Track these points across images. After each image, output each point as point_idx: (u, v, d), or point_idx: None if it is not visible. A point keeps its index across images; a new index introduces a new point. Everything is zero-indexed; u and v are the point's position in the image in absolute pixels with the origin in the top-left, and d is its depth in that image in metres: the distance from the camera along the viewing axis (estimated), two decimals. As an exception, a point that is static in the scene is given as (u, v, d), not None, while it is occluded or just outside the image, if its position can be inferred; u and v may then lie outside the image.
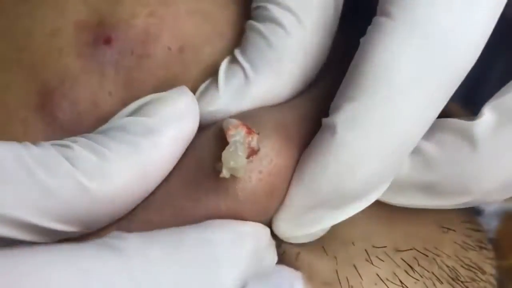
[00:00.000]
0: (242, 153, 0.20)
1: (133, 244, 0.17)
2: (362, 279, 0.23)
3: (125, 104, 0.23)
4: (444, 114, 0.22)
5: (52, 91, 0.22)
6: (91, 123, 0.22)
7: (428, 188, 0.23)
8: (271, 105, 0.23)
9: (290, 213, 0.22)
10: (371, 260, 0.23)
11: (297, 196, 0.22)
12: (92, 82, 0.23)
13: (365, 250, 0.24)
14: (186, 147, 0.22)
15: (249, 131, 0.21)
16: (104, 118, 0.22)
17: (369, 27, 0.21)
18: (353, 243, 0.24)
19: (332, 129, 0.21)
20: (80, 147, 0.20)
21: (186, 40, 0.23)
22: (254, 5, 0.24)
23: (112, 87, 0.23)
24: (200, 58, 0.24)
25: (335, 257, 0.23)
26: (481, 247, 0.27)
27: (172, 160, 0.21)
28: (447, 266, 0.25)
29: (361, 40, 0.21)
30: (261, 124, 0.22)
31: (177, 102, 0.22)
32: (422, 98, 0.20)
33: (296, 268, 0.22)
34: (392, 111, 0.20)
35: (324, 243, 0.23)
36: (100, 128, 0.22)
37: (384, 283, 0.23)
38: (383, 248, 0.24)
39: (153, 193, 0.22)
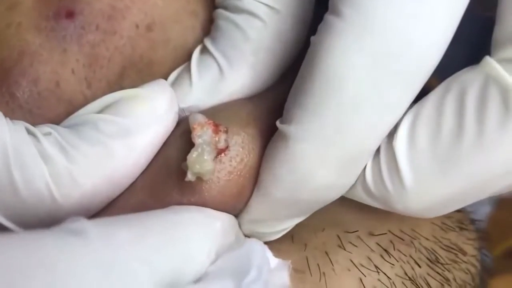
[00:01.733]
0: (208, 156, 0.19)
1: (95, 228, 0.16)
2: (334, 265, 0.22)
3: (89, 83, 0.22)
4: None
5: (10, 68, 0.21)
6: (52, 103, 0.21)
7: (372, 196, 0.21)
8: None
9: (250, 216, 0.22)
10: (343, 246, 0.23)
11: (255, 202, 0.21)
12: (53, 58, 0.21)
13: (337, 235, 0.23)
14: (159, 147, 0.21)
15: (216, 130, 0.20)
16: (67, 99, 0.21)
17: (320, 26, 0.19)
18: (323, 229, 0.23)
19: (285, 138, 0.19)
20: (50, 145, 0.19)
21: (154, 18, 0.22)
22: None
23: (75, 65, 0.21)
24: (169, 38, 0.23)
25: (305, 244, 0.23)
26: (461, 228, 0.27)
27: (145, 163, 0.21)
28: (426, 248, 0.24)
29: (312, 39, 0.19)
30: (230, 119, 0.21)
31: (156, 103, 0.20)
32: (376, 107, 0.18)
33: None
34: (344, 121, 0.18)
35: (293, 231, 0.22)
36: (69, 121, 0.21)
37: (358, 268, 0.22)
38: (356, 233, 0.23)
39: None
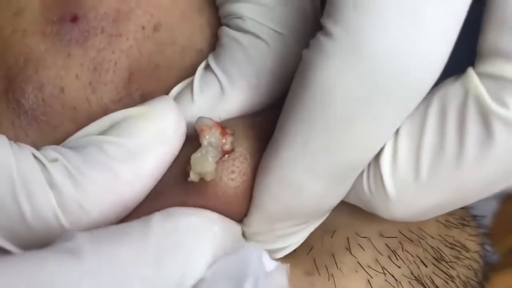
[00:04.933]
0: (212, 158, 0.19)
1: (90, 245, 0.16)
2: (341, 266, 0.22)
3: (94, 88, 0.21)
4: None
5: (16, 75, 0.21)
6: (57, 109, 0.21)
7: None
8: None
9: (250, 229, 0.21)
10: (350, 249, 0.23)
11: (252, 215, 0.21)
12: (57, 64, 0.21)
13: (347, 238, 0.23)
14: (167, 167, 0.20)
15: (224, 132, 0.20)
16: (71, 105, 0.21)
17: (311, 42, 0.18)
18: (334, 231, 0.23)
19: (275, 149, 0.19)
20: (57, 172, 0.19)
21: (161, 19, 0.22)
22: (227, 13, 0.22)
23: (79, 69, 0.21)
24: (176, 38, 0.22)
25: (311, 247, 0.23)
26: (463, 224, 0.27)
27: (153, 184, 0.20)
28: (432, 248, 0.24)
29: (303, 53, 0.19)
30: (234, 124, 0.21)
31: (163, 122, 0.20)
32: (367, 125, 0.18)
33: (276, 259, 0.22)
34: (332, 138, 0.18)
35: None
36: (75, 141, 0.20)
37: (365, 270, 0.23)
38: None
39: None
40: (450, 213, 0.26)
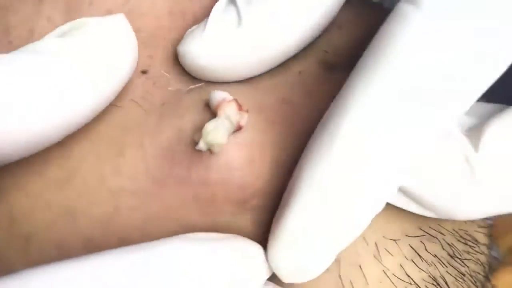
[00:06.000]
0: (225, 131, 0.19)
1: None
2: (367, 279, 0.20)
3: None
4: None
5: None
6: None
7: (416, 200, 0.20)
8: (251, 84, 0.21)
9: (293, 226, 0.18)
10: (379, 257, 0.21)
11: (298, 198, 0.17)
12: (26, 7, 0.20)
13: (375, 243, 0.21)
14: (120, 82, 0.19)
15: (240, 108, 0.19)
16: None
17: (391, 15, 0.17)
18: (364, 238, 0.21)
19: (336, 131, 0.17)
20: None
21: None
22: None
23: (51, 12, 0.20)
24: None
25: (339, 261, 0.20)
26: (473, 215, 0.25)
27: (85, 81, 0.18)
28: (448, 244, 0.23)
29: (381, 28, 0.17)
30: (244, 98, 0.20)
31: (103, 24, 0.19)
32: (444, 107, 0.16)
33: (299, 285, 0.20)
34: (405, 111, 0.16)
35: None
36: None
37: (390, 279, 0.21)
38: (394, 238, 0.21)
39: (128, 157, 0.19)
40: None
